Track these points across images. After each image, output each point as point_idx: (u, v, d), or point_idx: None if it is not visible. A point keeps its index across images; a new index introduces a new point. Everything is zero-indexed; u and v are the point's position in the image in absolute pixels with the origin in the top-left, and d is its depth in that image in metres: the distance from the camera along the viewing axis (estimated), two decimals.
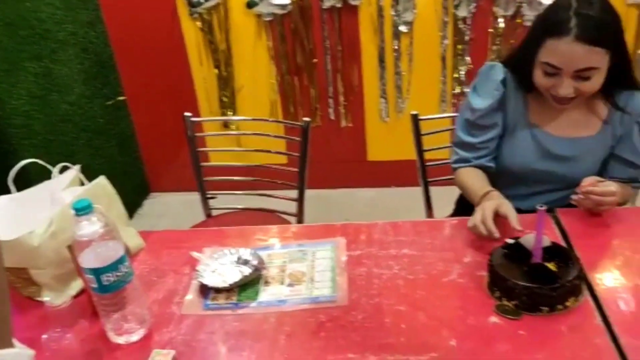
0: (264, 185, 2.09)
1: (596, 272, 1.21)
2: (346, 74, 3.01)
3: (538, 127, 1.47)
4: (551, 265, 1.16)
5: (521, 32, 2.78)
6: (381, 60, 2.96)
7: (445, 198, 1.94)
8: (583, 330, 1.07)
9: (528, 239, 1.19)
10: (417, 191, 2.03)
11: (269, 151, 2.11)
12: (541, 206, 1.11)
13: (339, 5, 2.80)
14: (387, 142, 3.17)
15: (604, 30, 1.26)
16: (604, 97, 1.42)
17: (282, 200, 2.12)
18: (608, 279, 1.20)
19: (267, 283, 1.30)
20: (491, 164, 1.55)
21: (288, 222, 2.07)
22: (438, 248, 1.36)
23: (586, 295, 1.15)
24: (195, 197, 2.19)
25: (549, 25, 1.30)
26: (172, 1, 2.87)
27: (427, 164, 1.98)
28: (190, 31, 2.93)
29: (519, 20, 2.78)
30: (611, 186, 1.34)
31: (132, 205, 3.23)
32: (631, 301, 1.13)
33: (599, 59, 1.28)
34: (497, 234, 1.26)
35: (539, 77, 1.36)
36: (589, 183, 1.32)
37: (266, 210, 2.15)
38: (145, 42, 2.98)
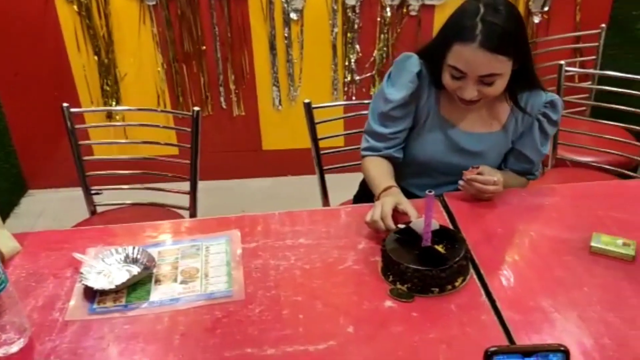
0: (153, 179, 2.00)
1: (480, 252, 1.27)
2: (237, 62, 2.95)
3: (448, 122, 1.51)
4: (440, 248, 1.21)
5: (408, 22, 2.87)
6: (272, 47, 2.93)
7: (341, 185, 1.97)
8: (470, 308, 1.12)
9: (418, 224, 1.23)
10: (313, 179, 2.04)
11: (157, 143, 2.02)
12: (430, 191, 1.15)
13: None
14: (281, 130, 3.15)
15: (508, 39, 1.30)
16: (507, 97, 1.47)
17: (173, 194, 2.04)
18: (490, 257, 1.27)
19: (158, 282, 1.24)
20: (399, 155, 1.58)
21: (181, 217, 2.00)
22: (333, 236, 1.37)
23: (472, 275, 1.21)
24: (77, 193, 2.05)
25: (457, 30, 1.33)
26: None
27: (323, 152, 1.99)
28: (66, 15, 2.73)
29: (405, 10, 2.86)
30: (495, 175, 1.41)
31: (7, 205, 2.98)
32: (511, 277, 1.20)
33: (501, 66, 1.32)
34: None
35: (446, 79, 1.39)
36: (470, 171, 1.40)
37: (157, 204, 2.06)
38: (15, 27, 2.73)
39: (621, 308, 1.11)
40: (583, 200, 1.48)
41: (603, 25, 2.62)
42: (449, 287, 1.16)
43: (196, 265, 1.29)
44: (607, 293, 1.15)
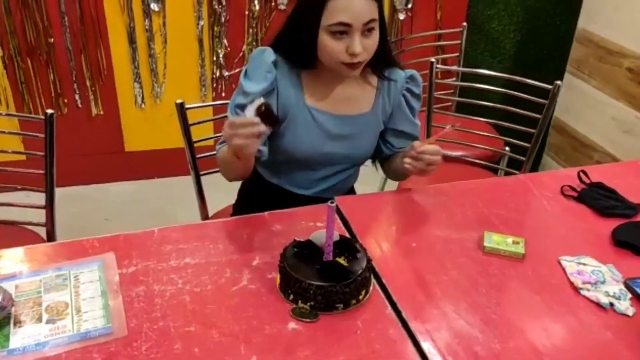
0: None
1: (378, 260, 1.23)
2: (92, 56, 2.67)
3: (316, 109, 1.45)
4: (342, 261, 1.15)
5: (277, 16, 2.79)
6: (132, 40, 2.70)
7: (216, 187, 1.84)
8: (377, 322, 1.08)
9: (318, 236, 1.16)
10: (182, 181, 1.87)
11: (3, 151, 1.75)
12: (332, 202, 1.08)
13: None
14: (145, 130, 2.92)
15: None
16: (372, 72, 1.48)
17: (25, 209, 1.78)
18: (389, 265, 1.23)
19: (18, 323, 1.05)
20: (262, 148, 1.44)
21: (36, 235, 1.75)
22: (223, 252, 1.25)
23: (374, 285, 1.17)
24: None
25: None
26: None
27: (198, 156, 1.85)
28: None
29: (273, 4, 2.77)
30: (434, 144, 1.39)
31: None
32: (412, 285, 1.18)
33: (375, 10, 1.32)
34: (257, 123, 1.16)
35: (328, 45, 1.32)
36: (419, 144, 1.36)
37: (5, 222, 1.78)
38: None
39: (520, 308, 1.13)
40: (466, 198, 1.51)
41: (465, 24, 2.74)
42: (354, 301, 1.10)
43: (65, 299, 1.10)
44: (504, 293, 1.17)
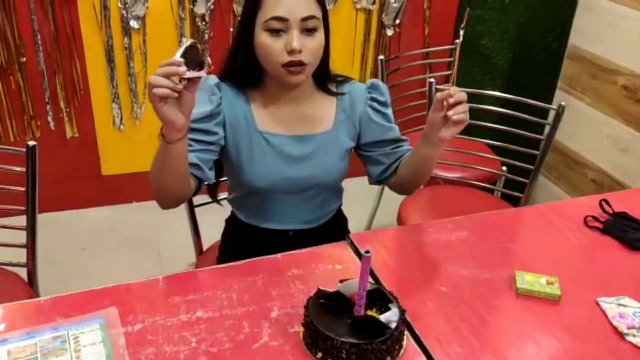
0: None
1: (407, 308, 1.14)
2: (67, 75, 2.52)
3: (270, 133, 1.35)
4: (374, 313, 1.05)
5: None
6: (110, 59, 2.56)
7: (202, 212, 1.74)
8: None
9: (346, 287, 1.06)
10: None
11: None
12: (367, 252, 0.98)
13: None
14: (123, 153, 2.77)
15: None
16: (322, 88, 1.38)
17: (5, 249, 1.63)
18: (420, 313, 1.14)
19: None
20: (196, 162, 1.27)
21: (14, 275, 1.61)
22: (238, 303, 1.14)
23: (408, 338, 1.07)
24: None
25: None
26: None
27: None
28: None
29: None
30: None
31: None
32: (448, 335, 1.09)
33: (317, 9, 1.24)
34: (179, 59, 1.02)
35: (265, 44, 1.22)
36: (448, 92, 1.17)
37: None
38: None
39: (564, 358, 1.05)
40: (488, 232, 1.43)
41: (457, 40, 2.68)
42: (389, 358, 1.01)
43: None
44: (546, 342, 1.09)
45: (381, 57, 2.46)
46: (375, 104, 1.42)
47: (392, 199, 2.01)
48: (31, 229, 1.61)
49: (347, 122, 1.41)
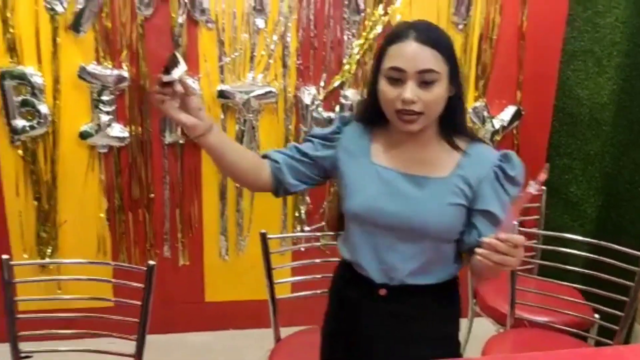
0: (88, 336, 1.81)
1: None
2: (185, 210, 2.88)
3: (383, 166, 1.41)
4: None
5: None
6: (222, 197, 2.90)
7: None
8: None
9: None
10: (256, 333, 1.89)
11: (105, 299, 1.85)
12: None
13: (181, 141, 2.74)
14: (225, 282, 3.02)
15: (442, 39, 1.33)
16: (448, 140, 1.39)
17: (114, 357, 1.84)
18: None
19: None
20: (281, 174, 1.44)
21: None
22: None
23: None
24: None
25: (391, 36, 1.34)
26: None
27: (278, 297, 1.90)
28: (9, 158, 2.60)
29: None
30: (519, 236, 1.17)
31: None
32: None
33: (439, 64, 1.29)
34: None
35: (384, 91, 1.32)
36: (494, 236, 1.16)
37: None
38: None
39: None
40: None
41: (543, 187, 2.79)
42: None
43: None
44: None
45: None
46: (500, 174, 1.35)
47: (479, 337, 2.04)
48: (140, 340, 1.82)
49: (463, 180, 1.36)
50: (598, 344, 2.20)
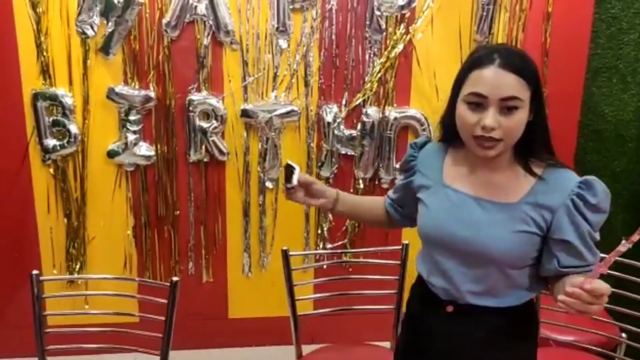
0: (112, 351, 1.85)
1: None
2: (209, 227, 2.92)
3: (453, 188, 1.41)
4: None
5: (380, 192, 2.96)
6: (246, 214, 2.94)
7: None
8: None
9: None
10: (279, 350, 1.91)
11: (129, 314, 1.89)
12: None
13: (206, 159, 2.79)
14: (248, 298, 3.04)
15: (526, 64, 1.29)
16: (523, 165, 1.35)
17: None
18: None
19: None
20: (393, 210, 1.64)
21: None
22: None
23: None
24: None
25: (473, 62, 1.32)
26: (23, 145, 2.65)
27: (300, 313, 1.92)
28: (40, 177, 2.69)
29: (376, 182, 2.96)
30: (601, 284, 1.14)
31: None
32: None
33: (521, 90, 1.27)
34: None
35: (463, 115, 1.31)
36: (587, 280, 1.12)
37: None
38: None
39: None
40: None
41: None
42: None
43: None
44: None
45: None
46: (579, 202, 1.28)
47: None
48: (164, 355, 1.85)
49: (535, 207, 1.32)
50: None
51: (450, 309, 1.40)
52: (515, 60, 1.27)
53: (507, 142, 1.29)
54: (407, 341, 1.57)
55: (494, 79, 1.25)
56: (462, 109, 1.31)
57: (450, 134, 1.41)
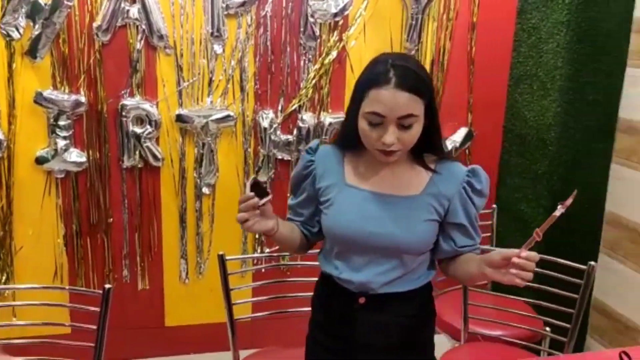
0: None
1: None
2: (144, 234, 2.87)
3: (357, 187, 1.48)
4: None
5: None
6: (182, 220, 2.91)
7: None
8: None
9: None
10: (217, 357, 1.92)
11: (60, 324, 1.84)
12: None
13: (140, 165, 2.75)
14: (186, 305, 3.01)
15: (420, 82, 1.37)
16: (419, 161, 1.48)
17: None
18: None
19: None
20: (306, 231, 1.60)
21: None
22: None
23: None
24: None
25: (370, 78, 1.37)
26: None
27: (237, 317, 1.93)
28: None
29: None
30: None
31: None
32: None
33: (417, 106, 1.35)
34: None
35: (364, 130, 1.38)
36: (521, 250, 1.27)
37: None
38: None
39: None
40: None
41: (494, 205, 2.90)
42: None
43: None
44: None
45: None
46: (468, 189, 1.46)
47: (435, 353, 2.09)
48: None
49: (436, 197, 1.46)
50: (549, 355, 2.28)
51: (362, 300, 1.48)
52: (409, 80, 1.34)
53: (405, 149, 1.41)
54: (321, 338, 1.59)
55: (391, 100, 1.33)
56: (363, 124, 1.39)
57: (353, 141, 1.47)
